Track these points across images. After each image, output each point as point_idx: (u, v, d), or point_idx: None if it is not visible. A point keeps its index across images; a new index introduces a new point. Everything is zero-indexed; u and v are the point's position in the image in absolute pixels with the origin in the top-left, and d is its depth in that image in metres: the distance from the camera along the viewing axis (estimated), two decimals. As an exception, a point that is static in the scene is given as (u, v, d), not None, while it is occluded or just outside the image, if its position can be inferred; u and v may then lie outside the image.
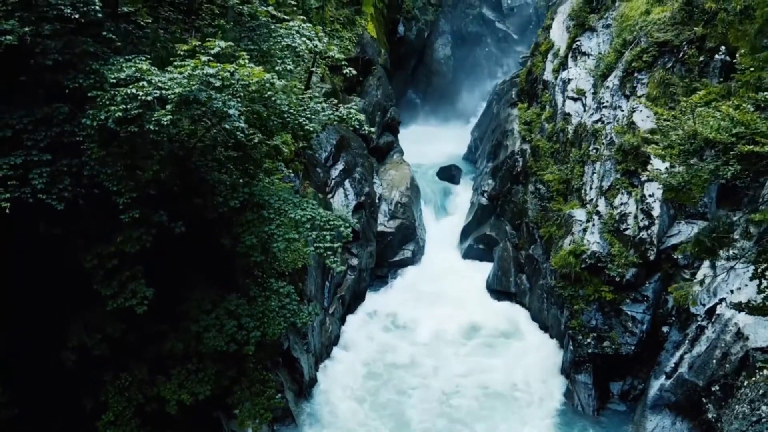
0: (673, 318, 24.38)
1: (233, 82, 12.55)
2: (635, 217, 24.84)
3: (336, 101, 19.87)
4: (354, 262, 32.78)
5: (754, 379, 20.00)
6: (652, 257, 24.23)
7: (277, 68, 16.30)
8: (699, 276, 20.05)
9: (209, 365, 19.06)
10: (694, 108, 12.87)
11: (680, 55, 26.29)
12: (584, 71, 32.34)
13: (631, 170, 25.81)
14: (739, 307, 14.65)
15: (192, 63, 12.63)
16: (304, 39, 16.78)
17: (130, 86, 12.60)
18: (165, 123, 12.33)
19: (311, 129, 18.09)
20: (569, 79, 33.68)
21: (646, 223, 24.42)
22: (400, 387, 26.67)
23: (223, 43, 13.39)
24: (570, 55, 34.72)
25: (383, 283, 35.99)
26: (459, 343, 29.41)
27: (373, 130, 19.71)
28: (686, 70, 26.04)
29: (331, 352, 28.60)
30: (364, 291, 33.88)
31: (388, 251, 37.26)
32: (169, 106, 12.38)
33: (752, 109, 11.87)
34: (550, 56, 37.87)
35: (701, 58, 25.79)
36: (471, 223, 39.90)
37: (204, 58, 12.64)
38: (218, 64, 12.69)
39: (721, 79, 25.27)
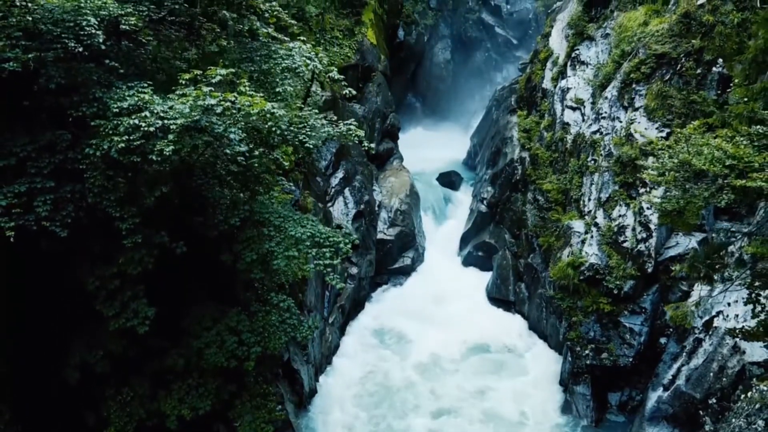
0: (671, 329, 24.48)
1: (234, 111, 12.69)
2: (633, 229, 24.98)
3: (336, 117, 19.97)
4: (353, 271, 32.92)
5: (750, 393, 20.10)
6: (649, 269, 24.36)
7: (277, 89, 16.45)
8: (695, 292, 20.18)
9: (210, 380, 19.25)
10: (688, 138, 13.01)
11: (678, 68, 26.40)
12: (583, 81, 32.44)
13: (629, 182, 25.94)
14: (733, 333, 14.81)
15: (194, 93, 12.77)
16: (303, 59, 16.90)
17: (133, 116, 12.76)
18: (167, 153, 12.48)
19: (311, 146, 18.23)
20: (568, 88, 33.82)
21: (644, 235, 24.56)
22: (397, 402, 26.72)
23: (223, 71, 13.53)
24: (569, 64, 34.85)
25: (383, 291, 36.13)
26: (457, 358, 29.28)
27: (372, 146, 19.87)
28: (684, 82, 26.15)
29: (331, 362, 28.75)
30: (363, 299, 34.02)
31: (388, 259, 37.40)
32: (171, 136, 12.53)
33: (745, 143, 12.01)
34: (549, 64, 38.02)
35: (699, 71, 25.89)
36: (470, 230, 40.05)
37: (206, 89, 12.78)
38: (219, 94, 12.83)
39: (719, 92, 25.43)
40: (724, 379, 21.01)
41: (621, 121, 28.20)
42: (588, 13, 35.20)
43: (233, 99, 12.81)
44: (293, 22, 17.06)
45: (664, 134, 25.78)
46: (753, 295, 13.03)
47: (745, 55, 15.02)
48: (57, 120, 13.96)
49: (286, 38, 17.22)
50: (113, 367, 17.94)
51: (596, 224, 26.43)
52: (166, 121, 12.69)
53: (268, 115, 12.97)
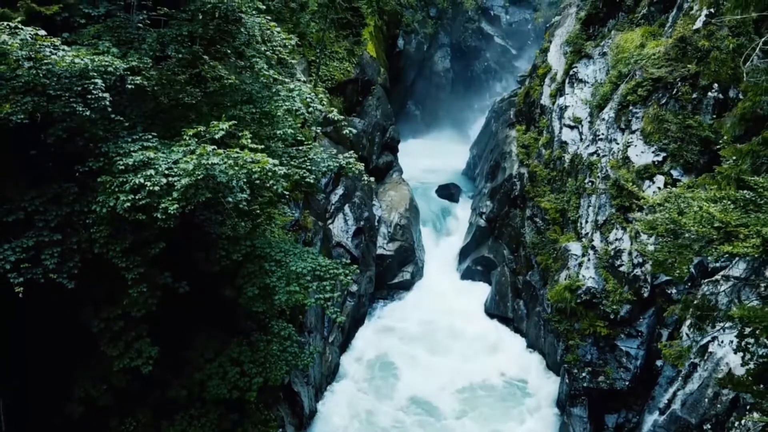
0: (668, 345, 24.79)
1: (237, 168, 12.98)
2: (629, 253, 25.25)
3: (335, 151, 20.25)
4: (353, 288, 33.17)
5: (744, 419, 20.44)
6: (645, 294, 24.64)
7: (278, 132, 16.73)
8: (688, 335, 20.34)
9: (212, 409, 19.56)
10: (678, 197, 13.30)
11: (674, 92, 26.65)
12: (581, 101, 32.72)
13: (625, 206, 26.18)
14: (723, 382, 15.08)
15: (198, 151, 13.05)
16: (304, 98, 17.18)
17: (139, 175, 13.04)
18: (172, 212, 12.77)
19: (311, 181, 18.55)
20: (566, 106, 34.09)
21: (640, 260, 24.82)
22: (396, 422, 27.04)
23: (226, 126, 13.81)
24: (567, 81, 35.12)
25: (383, 306, 36.41)
26: (454, 386, 29.41)
27: (372, 179, 20.19)
28: (680, 106, 26.39)
29: (332, 382, 29.04)
30: (363, 316, 34.31)
31: (388, 274, 37.69)
32: (176, 194, 12.82)
33: (732, 207, 12.30)
34: (547, 80, 38.31)
35: (694, 95, 26.15)
36: (469, 244, 40.32)
37: (209, 148, 13.06)
38: (222, 152, 13.11)
39: (714, 116, 25.71)
40: (718, 405, 21.28)
41: (618, 143, 28.47)
42: (586, 31, 35.49)
43: (236, 156, 13.09)
44: (293, 44, 17.23)
45: (660, 158, 26.09)
46: (743, 343, 13.33)
47: (734, 112, 15.27)
48: (64, 169, 14.24)
49: (287, 80, 17.48)
50: (116, 398, 18.22)
51: (593, 247, 26.72)
52: (171, 179, 12.99)
53: (269, 174, 13.24)
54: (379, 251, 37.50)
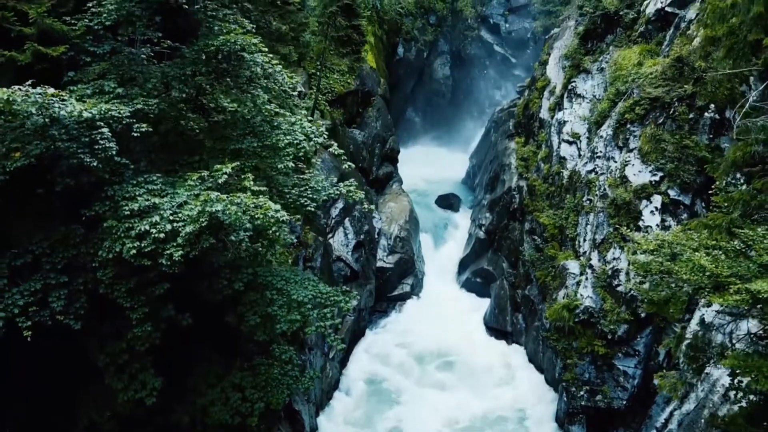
0: (664, 371, 25.04)
1: (240, 214, 13.23)
2: (627, 273, 25.50)
3: (335, 179, 20.50)
4: (353, 302, 33.35)
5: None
6: (643, 314, 24.89)
7: (279, 165, 16.99)
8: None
9: (214, 433, 19.79)
10: (670, 244, 13.56)
11: (671, 111, 26.90)
12: (579, 118, 32.99)
13: (623, 225, 26.42)
14: (715, 422, 15.34)
15: (202, 197, 13.31)
16: (305, 131, 17.45)
17: (144, 221, 13.31)
18: (177, 259, 13.04)
19: (312, 209, 18.81)
20: (564, 121, 34.36)
21: (638, 280, 25.03)
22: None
23: (229, 169, 14.07)
24: (565, 96, 35.39)
25: (383, 319, 36.61)
26: (454, 394, 29.73)
27: (373, 207, 20.39)
28: (677, 126, 26.65)
29: (332, 398, 29.29)
30: (363, 329, 34.58)
31: (388, 286, 37.91)
32: (180, 240, 13.09)
33: (723, 257, 12.57)
34: (546, 93, 38.55)
35: (691, 116, 26.39)
36: (469, 255, 40.60)
37: (213, 195, 13.32)
38: (225, 198, 13.37)
39: (711, 136, 25.97)
40: (714, 428, 21.52)
41: (616, 161, 28.73)
42: (584, 45, 35.74)
43: (239, 202, 13.34)
44: (294, 83, 17.50)
45: (657, 178, 26.35)
46: (735, 381, 13.59)
47: (724, 159, 15.55)
48: (70, 208, 14.49)
49: (288, 113, 17.74)
50: (121, 425, 18.47)
51: (591, 266, 26.98)
52: (175, 224, 13.26)
53: (272, 221, 13.50)
54: (379, 264, 37.72)
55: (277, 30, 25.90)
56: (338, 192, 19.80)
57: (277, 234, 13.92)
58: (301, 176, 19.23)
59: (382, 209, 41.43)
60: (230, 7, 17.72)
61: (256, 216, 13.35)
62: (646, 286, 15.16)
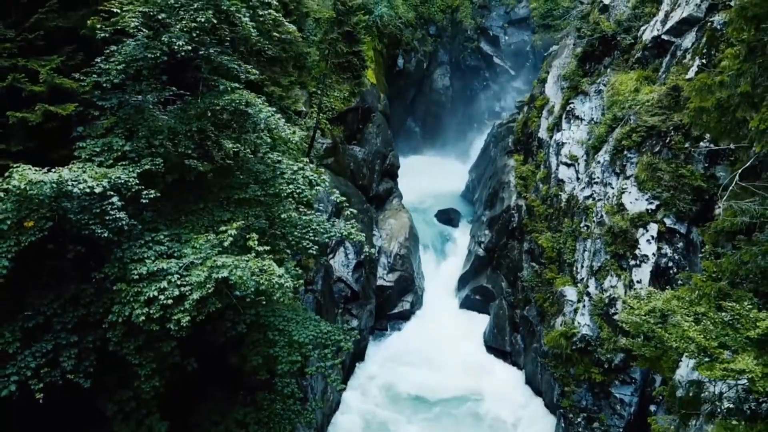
0: (661, 397, 25.46)
1: (245, 279, 13.65)
2: (624, 302, 25.88)
3: (332, 220, 20.89)
4: (354, 323, 33.82)
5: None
6: (639, 343, 25.28)
7: (282, 216, 17.41)
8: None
9: (218, 470, 20.21)
10: (661, 311, 13.98)
11: (667, 140, 27.27)
12: (577, 142, 33.40)
13: (620, 253, 26.85)
14: None
15: (209, 262, 13.74)
16: (307, 179, 17.87)
17: (153, 287, 13.73)
18: (184, 324, 13.48)
19: (314, 253, 19.23)
20: (563, 143, 34.74)
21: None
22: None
23: (234, 231, 14.49)
24: (564, 117, 35.75)
25: (383, 338, 37.01)
26: (452, 419, 30.08)
27: (374, 251, 20.77)
28: (673, 155, 27.02)
29: (332, 421, 29.72)
30: (363, 350, 34.92)
31: (388, 304, 38.28)
32: (187, 305, 13.51)
33: (711, 327, 12.98)
34: (545, 113, 38.94)
35: (687, 145, 26.75)
36: (468, 272, 40.99)
37: (219, 261, 13.75)
38: (231, 262, 13.79)
39: (707, 165, 26.37)
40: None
41: (613, 188, 29.12)
42: (582, 67, 36.13)
43: (244, 266, 13.75)
44: (297, 138, 17.91)
45: (653, 206, 26.74)
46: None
47: (714, 223, 15.94)
48: (81, 265, 14.89)
49: (290, 162, 18.14)
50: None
51: (588, 293, 27.38)
52: (183, 288, 13.68)
53: (276, 286, 13.91)
54: (380, 282, 38.08)
55: (278, 57, 26.22)
56: (341, 234, 20.21)
57: (281, 299, 14.31)
58: (304, 217, 19.61)
59: (382, 226, 41.79)
60: (232, 55, 18.07)
61: (261, 281, 13.77)
62: (641, 338, 15.57)
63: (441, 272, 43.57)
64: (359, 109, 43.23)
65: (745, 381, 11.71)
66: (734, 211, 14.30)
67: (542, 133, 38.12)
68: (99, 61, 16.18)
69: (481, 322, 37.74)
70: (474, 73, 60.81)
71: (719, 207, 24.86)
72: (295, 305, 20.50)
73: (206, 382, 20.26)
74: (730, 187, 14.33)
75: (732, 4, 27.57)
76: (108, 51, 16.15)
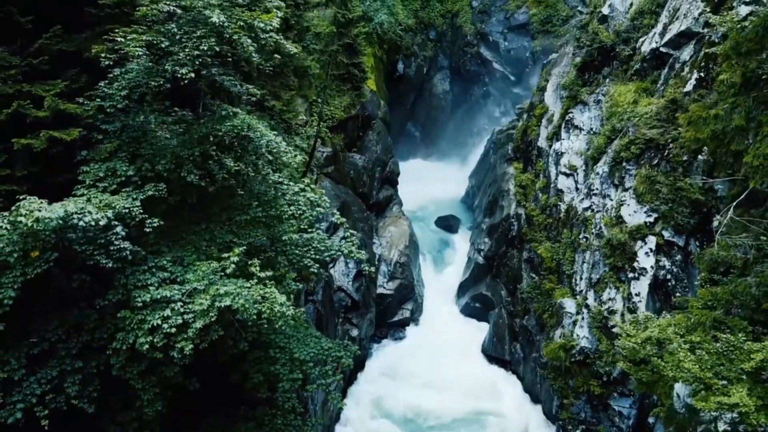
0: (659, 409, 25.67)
1: (248, 307, 13.86)
2: (622, 314, 26.09)
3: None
4: (354, 333, 34.04)
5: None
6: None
7: (283, 238, 17.61)
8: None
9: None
10: (657, 340, 14.18)
11: (665, 153, 27.44)
12: (576, 153, 33.58)
13: (618, 266, 27.03)
14: None
15: (212, 290, 13.93)
16: (308, 200, 18.08)
17: (156, 315, 13.92)
18: (187, 353, 13.67)
19: (315, 271, 19.43)
20: (562, 153, 34.93)
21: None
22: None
23: (236, 258, 14.70)
24: (563, 126, 35.94)
25: (383, 347, 37.21)
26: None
27: (373, 269, 20.99)
28: (671, 168, 27.18)
29: (334, 430, 29.91)
30: (363, 359, 35.10)
31: (388, 312, 38.50)
32: (191, 333, 13.71)
33: (706, 357, 13.17)
34: (544, 121, 39.12)
35: (685, 158, 26.90)
36: (468, 279, 41.16)
37: (222, 290, 13.94)
38: (234, 289, 13.99)
39: (704, 178, 26.52)
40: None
41: (612, 200, 29.30)
42: (581, 77, 36.26)
43: (246, 294, 13.95)
44: (298, 162, 18.10)
45: (652, 219, 26.92)
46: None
47: (708, 251, 16.13)
48: (84, 295, 15.09)
49: (291, 184, 18.34)
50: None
51: (587, 305, 27.56)
52: (186, 316, 13.88)
53: (278, 314, 14.11)
54: (380, 290, 38.30)
55: (279, 72, 26.41)
56: (341, 251, 20.39)
57: (283, 327, 14.51)
58: (305, 236, 19.80)
59: (382, 234, 41.99)
60: (233, 75, 18.25)
61: (263, 310, 13.96)
62: (635, 368, 15.75)
63: (441, 279, 43.75)
64: (359, 117, 43.45)
65: (738, 415, 11.91)
66: (728, 245, 14.48)
67: (542, 142, 38.30)
68: (102, 85, 16.36)
69: (480, 330, 37.94)
70: (474, 78, 60.98)
71: (717, 220, 25.25)
72: (297, 319, 20.73)
73: (208, 398, 20.42)
74: (724, 221, 14.52)
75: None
76: (111, 75, 16.33)
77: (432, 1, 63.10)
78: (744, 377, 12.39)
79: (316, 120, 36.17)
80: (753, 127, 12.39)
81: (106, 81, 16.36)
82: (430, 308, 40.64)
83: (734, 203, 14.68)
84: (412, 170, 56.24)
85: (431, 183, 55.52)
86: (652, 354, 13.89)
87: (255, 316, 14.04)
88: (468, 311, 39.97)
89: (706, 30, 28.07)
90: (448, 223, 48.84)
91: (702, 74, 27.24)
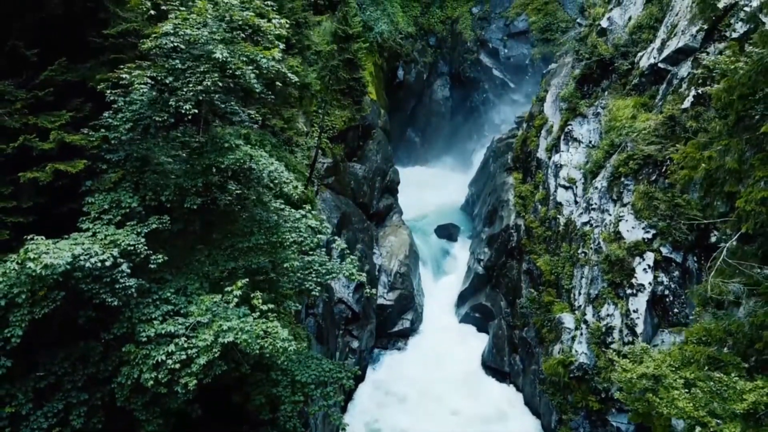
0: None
1: (250, 342, 14.10)
2: (620, 331, 26.34)
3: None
4: (355, 345, 34.29)
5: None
6: (635, 372, 25.72)
7: (285, 265, 17.86)
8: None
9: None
10: (654, 376, 14.43)
11: (663, 169, 27.67)
12: (575, 167, 33.79)
13: (617, 282, 27.25)
14: None
15: (215, 326, 14.18)
16: (309, 226, 18.34)
17: (161, 351, 14.16)
18: (191, 388, 13.91)
19: (317, 294, 19.68)
20: (561, 165, 35.14)
21: (630, 338, 25.92)
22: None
23: (238, 292, 14.95)
24: (562, 138, 36.15)
25: (383, 357, 37.46)
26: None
27: (374, 291, 21.32)
28: (669, 184, 27.41)
29: (335, 443, 30.15)
30: (364, 370, 35.34)
31: (388, 323, 38.74)
32: (195, 368, 13.95)
33: (700, 394, 13.42)
34: (543, 132, 39.35)
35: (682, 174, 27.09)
36: (468, 289, 41.42)
37: (225, 326, 14.18)
38: (237, 325, 14.22)
39: (702, 195, 26.71)
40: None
41: (610, 215, 29.53)
42: (580, 89, 36.45)
43: (249, 330, 14.18)
44: (299, 192, 18.34)
45: (650, 235, 27.14)
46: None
47: (702, 287, 16.37)
48: (90, 328, 15.32)
49: (292, 210, 18.59)
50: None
51: (585, 321, 27.81)
52: (189, 351, 14.12)
53: (280, 350, 14.34)
54: (380, 301, 38.53)
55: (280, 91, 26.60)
56: (342, 273, 20.63)
57: (286, 364, 14.76)
58: (306, 258, 20.04)
59: (382, 243, 42.22)
60: (235, 100, 18.46)
61: (265, 345, 14.20)
62: (632, 397, 15.99)
63: (440, 288, 44.03)
64: (360, 127, 43.67)
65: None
66: (720, 288, 14.72)
67: (541, 153, 38.52)
68: (107, 115, 16.59)
69: (480, 340, 38.22)
70: (473, 84, 61.23)
71: (714, 235, 25.46)
72: (299, 341, 20.96)
73: (210, 419, 20.66)
74: (717, 265, 14.77)
75: (727, 34, 28.12)
76: (116, 106, 16.56)
77: (432, 7, 63.40)
78: (737, 419, 12.63)
79: (317, 131, 36.40)
80: (746, 170, 12.62)
81: (111, 111, 16.58)
82: (430, 318, 40.89)
83: (726, 245, 14.92)
84: (413, 176, 56.52)
85: (431, 190, 55.84)
86: (647, 388, 14.15)
87: (257, 351, 14.25)
88: (468, 321, 40.25)
89: (703, 47, 28.31)
90: (448, 232, 49.10)
91: (699, 91, 27.45)
